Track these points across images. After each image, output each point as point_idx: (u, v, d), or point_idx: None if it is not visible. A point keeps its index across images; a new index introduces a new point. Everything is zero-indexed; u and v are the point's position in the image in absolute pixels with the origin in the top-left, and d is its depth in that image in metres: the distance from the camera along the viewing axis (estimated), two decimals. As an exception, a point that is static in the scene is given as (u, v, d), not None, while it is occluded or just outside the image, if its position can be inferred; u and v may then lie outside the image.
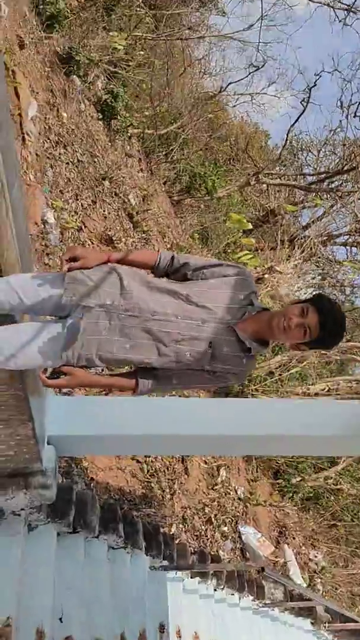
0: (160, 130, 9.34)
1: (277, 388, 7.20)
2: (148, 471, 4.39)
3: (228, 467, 5.79)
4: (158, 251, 1.85)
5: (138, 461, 4.40)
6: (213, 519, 4.95)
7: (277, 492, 7.29)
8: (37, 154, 4.06)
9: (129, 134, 8.88)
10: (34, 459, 2.59)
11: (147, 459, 4.48)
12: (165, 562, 3.92)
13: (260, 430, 3.05)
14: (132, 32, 9.56)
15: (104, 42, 5.99)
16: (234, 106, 17.80)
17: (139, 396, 1.90)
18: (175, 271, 1.86)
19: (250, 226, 4.76)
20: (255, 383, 6.34)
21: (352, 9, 8.71)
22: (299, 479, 7.56)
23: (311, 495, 7.93)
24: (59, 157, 4.58)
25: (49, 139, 4.48)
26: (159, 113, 10.20)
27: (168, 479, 4.59)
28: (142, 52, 9.79)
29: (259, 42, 9.80)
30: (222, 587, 4.61)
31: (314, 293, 1.90)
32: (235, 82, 10.64)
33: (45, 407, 2.74)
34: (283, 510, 6.72)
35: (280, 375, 7.28)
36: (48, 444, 2.81)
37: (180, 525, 4.48)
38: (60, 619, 2.97)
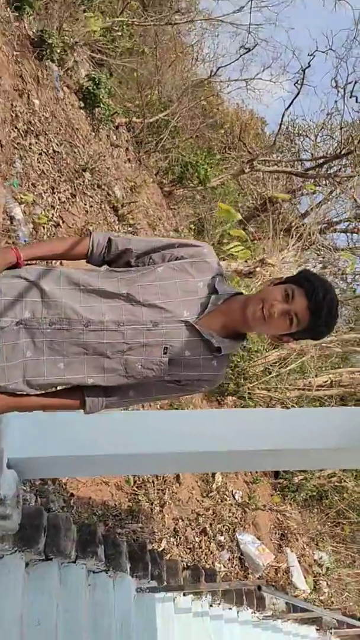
0: (149, 119, 8.99)
1: (276, 385, 6.89)
2: (135, 482, 4.10)
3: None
4: (90, 235, 1.48)
5: (124, 472, 4.11)
6: (208, 529, 4.66)
7: (278, 492, 6.99)
8: (0, 144, 3.74)
9: (115, 124, 8.53)
10: (-12, 488, 2.29)
11: (134, 469, 4.19)
12: (153, 583, 3.64)
13: (253, 444, 2.74)
14: (117, 17, 9.19)
15: (84, 27, 5.63)
16: (228, 93, 17.36)
17: (90, 415, 1.59)
18: (117, 258, 1.50)
19: (239, 217, 4.43)
20: (251, 381, 6.03)
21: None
22: (301, 477, 7.27)
23: (314, 494, 7.64)
24: (30, 148, 4.24)
25: (16, 127, 4.14)
26: (150, 101, 9.84)
27: (158, 490, 4.30)
28: (128, 39, 9.41)
29: (250, 25, 9.40)
30: (218, 602, 4.33)
31: (299, 270, 1.55)
32: (227, 65, 10.29)
33: (4, 428, 2.44)
34: (284, 513, 6.44)
35: (279, 371, 6.97)
36: (8, 467, 2.52)
37: (172, 539, 4.19)
38: (30, 659, 2.69)
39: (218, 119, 15.43)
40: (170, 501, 4.36)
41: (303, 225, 11.05)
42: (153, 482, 4.27)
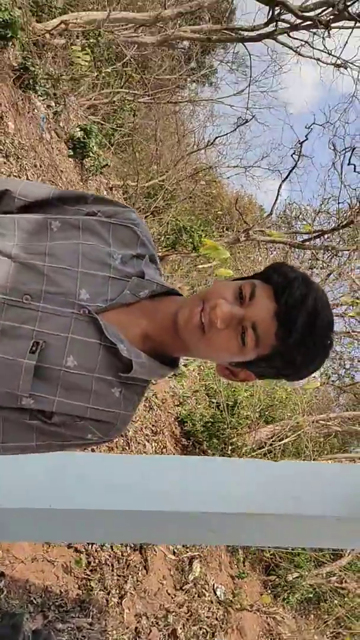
0: (145, 183, 8.87)
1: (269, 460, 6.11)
2: (89, 564, 3.29)
3: (205, 559, 4.62)
4: None
5: (77, 550, 3.32)
6: (180, 631, 3.75)
7: (269, 591, 5.99)
8: None
9: (110, 185, 8.39)
10: None
11: (90, 546, 3.39)
12: None
13: (232, 506, 2.06)
14: (117, 89, 9.34)
15: (71, 59, 5.47)
16: (228, 178, 17.81)
17: None
18: None
19: (227, 254, 3.93)
20: (239, 454, 5.29)
21: (342, 65, 8.48)
22: (296, 575, 6.27)
23: (311, 595, 6.59)
24: (-3, 166, 3.86)
25: (-20, 140, 3.79)
26: (147, 170, 9.82)
27: (118, 576, 3.47)
28: (129, 113, 9.52)
29: (247, 107, 9.62)
30: None
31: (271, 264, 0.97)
32: (225, 135, 10.44)
33: None
34: (275, 617, 5.43)
35: (271, 446, 6.22)
36: None
37: (132, 642, 3.31)
38: None
39: (217, 199, 15.64)
40: (133, 592, 3.51)
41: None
42: (112, 565, 3.45)
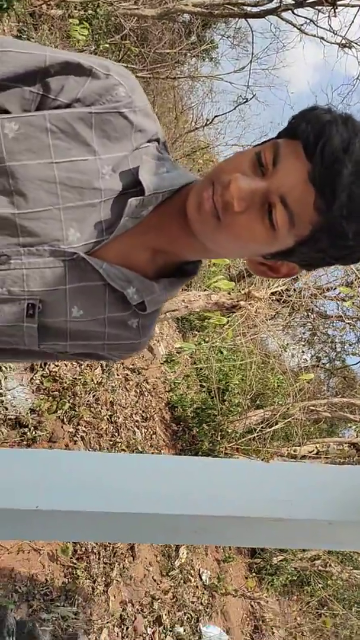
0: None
1: (257, 447, 6.13)
2: (75, 552, 3.29)
3: (192, 545, 4.64)
4: None
5: (63, 538, 3.30)
6: (165, 617, 3.78)
7: (254, 574, 6.07)
8: None
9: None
10: None
11: (77, 534, 3.38)
12: None
13: (219, 509, 2.03)
14: (118, 61, 9.10)
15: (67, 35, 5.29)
16: (226, 156, 17.60)
17: None
18: None
19: (227, 261, 3.82)
20: (229, 440, 5.29)
21: (347, 45, 8.28)
22: (281, 558, 6.36)
23: (295, 578, 6.69)
24: None
25: None
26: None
27: (104, 564, 3.47)
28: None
29: (248, 85, 9.39)
30: None
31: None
32: (223, 114, 10.18)
33: None
34: (260, 602, 5.51)
35: (261, 432, 6.23)
36: None
37: (116, 629, 3.33)
38: None
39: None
40: (119, 579, 3.53)
41: (294, 290, 10.64)
42: (99, 553, 3.45)
